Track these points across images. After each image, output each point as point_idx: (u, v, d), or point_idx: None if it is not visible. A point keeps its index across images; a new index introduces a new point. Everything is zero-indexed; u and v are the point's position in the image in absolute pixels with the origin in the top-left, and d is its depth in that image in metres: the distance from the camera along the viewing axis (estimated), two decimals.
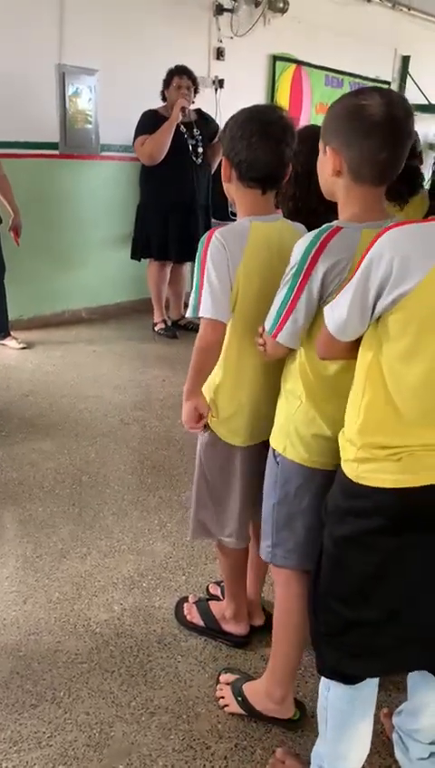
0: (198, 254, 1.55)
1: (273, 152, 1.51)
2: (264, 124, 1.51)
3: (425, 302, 1.08)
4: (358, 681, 1.30)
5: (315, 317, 1.35)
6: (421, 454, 1.14)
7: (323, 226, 1.30)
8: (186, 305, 5.42)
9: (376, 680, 1.37)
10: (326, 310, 1.24)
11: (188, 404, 1.67)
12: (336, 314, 1.20)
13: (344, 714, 1.35)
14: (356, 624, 1.26)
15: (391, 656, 1.27)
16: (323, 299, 1.32)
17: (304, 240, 1.32)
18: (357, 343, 1.22)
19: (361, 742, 1.39)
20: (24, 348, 4.44)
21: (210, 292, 1.53)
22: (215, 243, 1.52)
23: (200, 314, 1.55)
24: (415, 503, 1.16)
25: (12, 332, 4.52)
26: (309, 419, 1.43)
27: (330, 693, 1.35)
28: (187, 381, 1.66)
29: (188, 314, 1.60)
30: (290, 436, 1.47)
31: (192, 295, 1.58)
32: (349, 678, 1.30)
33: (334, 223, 1.31)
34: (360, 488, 1.19)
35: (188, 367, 1.64)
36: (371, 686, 1.35)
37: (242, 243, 1.53)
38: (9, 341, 4.48)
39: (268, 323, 1.41)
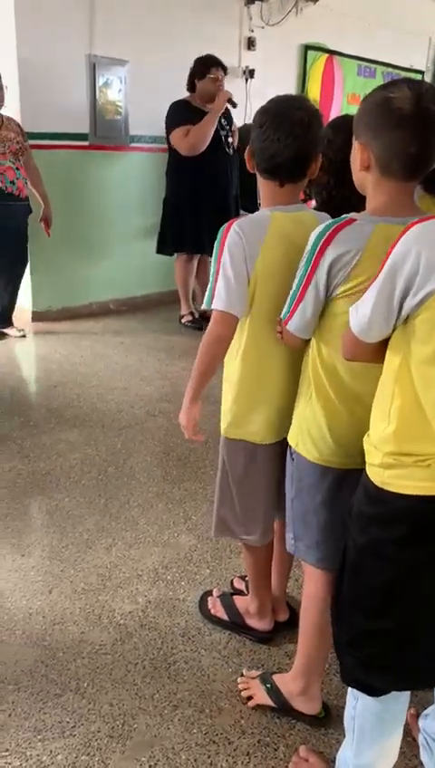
0: (216, 244, 1.54)
1: (284, 145, 1.48)
2: (275, 116, 1.49)
3: None
4: (381, 694, 1.26)
5: (324, 309, 1.35)
6: None
7: (338, 218, 1.29)
8: None
9: (406, 695, 1.32)
10: (351, 310, 1.20)
11: (190, 410, 1.66)
12: (360, 314, 1.15)
13: (373, 726, 1.31)
14: (373, 635, 1.21)
15: (412, 672, 1.23)
16: (329, 290, 1.31)
17: (316, 230, 1.31)
18: (383, 346, 1.17)
19: (388, 755, 1.35)
20: (23, 336, 4.46)
21: (225, 284, 1.52)
22: (232, 234, 1.51)
23: (213, 306, 1.54)
24: None
25: (41, 323, 4.55)
26: (318, 417, 1.41)
27: (358, 704, 1.31)
28: (190, 382, 1.64)
29: (204, 305, 1.59)
30: (302, 433, 1.46)
31: (208, 286, 1.57)
32: (371, 690, 1.26)
33: (349, 214, 1.29)
34: (384, 494, 1.15)
35: None
36: (400, 703, 1.30)
37: (261, 234, 1.51)
38: (10, 330, 4.49)
39: (283, 310, 1.41)
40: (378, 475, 1.17)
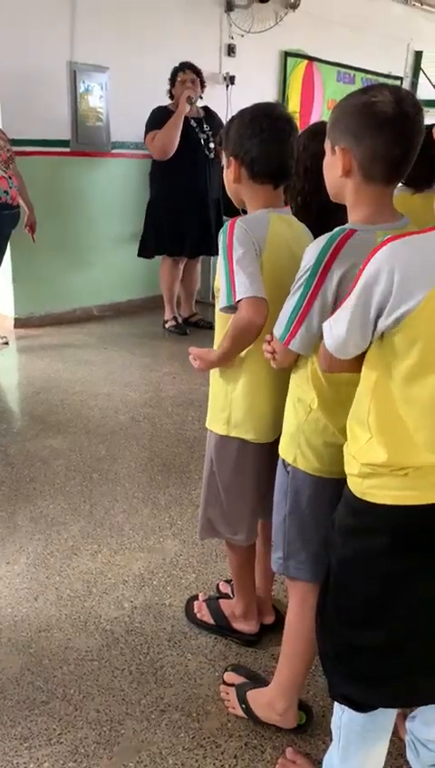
0: (222, 244, 1.52)
1: (284, 145, 1.53)
2: (272, 119, 1.53)
3: (431, 319, 1.02)
4: (370, 709, 1.25)
5: None
6: (428, 470, 1.09)
7: (336, 230, 1.26)
8: (197, 302, 5.43)
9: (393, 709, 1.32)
10: (325, 326, 1.18)
11: (209, 364, 1.68)
12: (335, 333, 1.14)
13: (358, 737, 1.31)
14: (360, 649, 1.20)
15: (400, 687, 1.21)
16: (337, 304, 1.27)
17: (316, 244, 1.27)
18: (360, 357, 1.16)
19: (374, 761, 1.35)
20: (5, 343, 4.44)
21: (244, 272, 1.47)
22: (239, 230, 1.50)
23: (237, 297, 1.47)
24: (420, 522, 1.11)
25: (24, 329, 4.53)
26: (320, 427, 1.39)
27: (344, 715, 1.30)
28: (212, 362, 1.63)
29: (222, 305, 1.53)
30: (301, 445, 1.43)
31: (223, 287, 1.51)
32: (359, 705, 1.25)
33: (347, 225, 1.26)
34: (364, 505, 1.14)
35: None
36: (386, 714, 1.29)
37: (264, 232, 1.52)
38: None
39: (278, 330, 1.36)
40: (357, 485, 1.16)
